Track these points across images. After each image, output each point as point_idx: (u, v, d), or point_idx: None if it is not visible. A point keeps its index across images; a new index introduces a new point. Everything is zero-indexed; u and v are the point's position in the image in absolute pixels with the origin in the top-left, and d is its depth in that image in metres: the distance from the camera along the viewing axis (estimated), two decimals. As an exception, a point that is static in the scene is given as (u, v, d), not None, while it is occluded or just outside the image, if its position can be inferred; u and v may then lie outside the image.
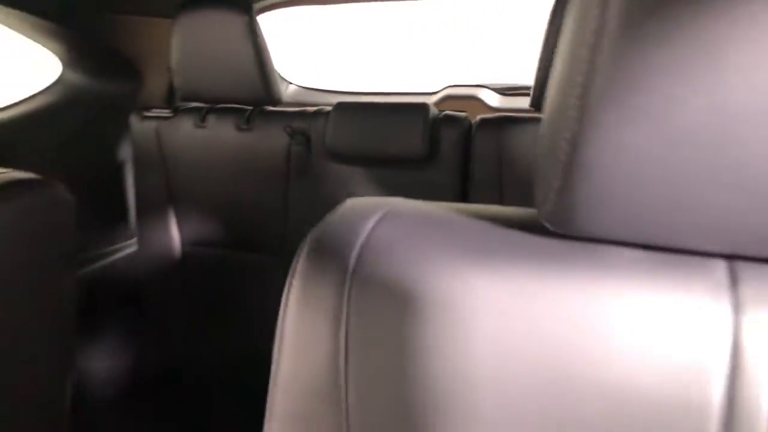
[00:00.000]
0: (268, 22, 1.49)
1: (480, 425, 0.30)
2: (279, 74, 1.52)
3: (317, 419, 0.34)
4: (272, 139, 1.11)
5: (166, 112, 1.22)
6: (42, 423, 0.59)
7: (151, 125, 1.21)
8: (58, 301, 0.57)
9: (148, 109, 1.24)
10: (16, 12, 1.06)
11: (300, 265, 0.34)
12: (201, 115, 1.17)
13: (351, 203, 0.37)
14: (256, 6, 1.37)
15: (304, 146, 1.09)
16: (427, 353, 0.31)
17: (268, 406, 0.36)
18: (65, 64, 1.27)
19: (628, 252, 0.30)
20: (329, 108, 1.12)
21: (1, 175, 0.54)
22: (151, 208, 1.25)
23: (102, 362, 1.22)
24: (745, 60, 0.23)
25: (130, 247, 1.36)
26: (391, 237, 0.33)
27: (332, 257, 0.33)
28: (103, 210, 1.33)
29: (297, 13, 1.50)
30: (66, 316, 0.58)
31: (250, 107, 1.15)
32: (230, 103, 1.13)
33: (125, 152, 1.35)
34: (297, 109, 1.16)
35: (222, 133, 1.15)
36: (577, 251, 0.31)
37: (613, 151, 0.27)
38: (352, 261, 0.33)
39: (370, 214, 0.35)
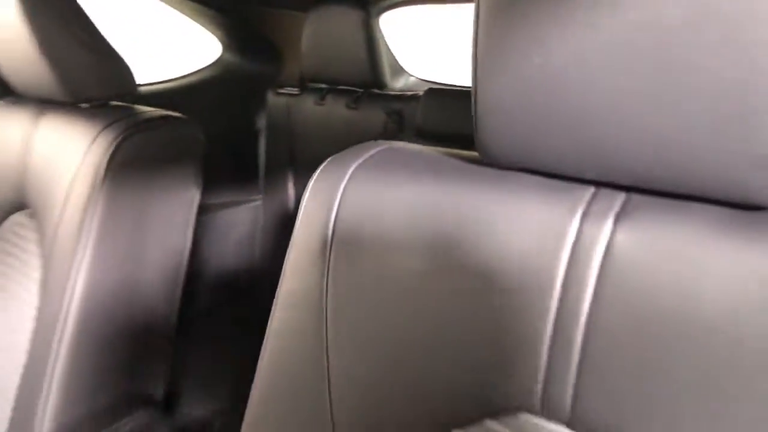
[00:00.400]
0: (408, 22, 1.68)
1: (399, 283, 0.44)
2: (401, 66, 1.70)
3: (304, 330, 0.48)
4: (373, 118, 1.30)
5: (295, 91, 1.45)
6: (158, 327, 0.78)
7: (282, 101, 1.46)
8: (182, 220, 0.79)
9: (282, 87, 1.48)
10: (187, 1, 1.35)
11: (304, 201, 0.49)
12: (322, 95, 1.39)
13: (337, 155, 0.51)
14: (378, 6, 1.56)
15: (398, 124, 1.26)
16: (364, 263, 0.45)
17: (269, 322, 0.50)
18: (224, 47, 1.56)
19: (525, 178, 0.42)
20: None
21: (152, 111, 0.78)
22: (276, 170, 1.50)
23: (209, 285, 1.47)
24: (594, 13, 0.34)
25: (256, 201, 1.62)
26: (365, 178, 0.47)
27: (325, 193, 0.48)
28: (239, 168, 1.61)
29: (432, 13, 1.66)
30: (185, 233, 0.79)
31: (361, 90, 1.35)
32: (345, 85, 1.34)
33: (261, 122, 1.62)
34: (397, 92, 1.33)
35: (335, 110, 1.36)
36: (492, 177, 0.43)
37: (501, 96, 0.39)
38: (338, 196, 0.47)
39: (351, 161, 0.49)
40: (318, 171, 0.50)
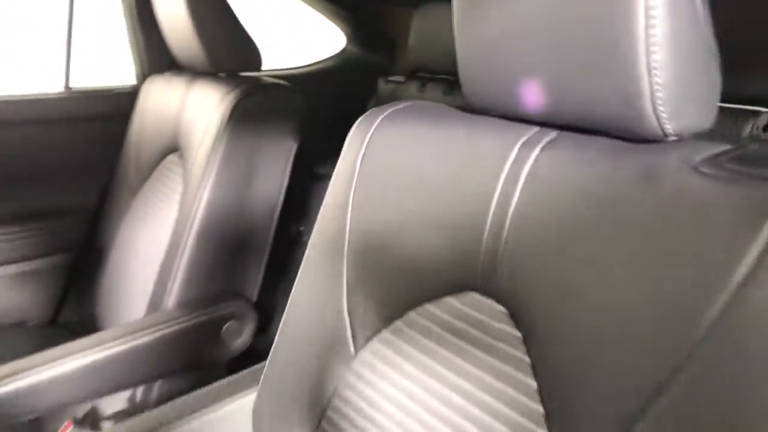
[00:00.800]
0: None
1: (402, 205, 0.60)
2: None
3: (329, 239, 0.65)
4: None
5: (401, 79, 1.65)
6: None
7: (391, 87, 1.66)
8: (281, 164, 1.01)
9: (391, 75, 1.69)
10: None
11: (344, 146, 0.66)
12: (423, 83, 1.57)
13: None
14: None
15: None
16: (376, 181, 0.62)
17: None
18: (348, 39, 1.80)
19: (492, 120, 0.56)
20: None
21: (266, 80, 1.02)
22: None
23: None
24: None
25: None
26: (388, 124, 0.63)
27: (358, 137, 0.65)
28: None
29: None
30: (282, 173, 1.01)
31: (454, 78, 1.51)
32: (445, 75, 1.50)
33: (371, 106, 1.84)
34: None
35: (433, 96, 1.53)
36: (472, 121, 0.58)
37: (474, 59, 0.54)
38: (367, 138, 0.64)
39: (380, 113, 0.65)
40: (358, 120, 0.68)
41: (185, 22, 1.03)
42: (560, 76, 0.47)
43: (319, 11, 1.73)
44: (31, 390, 0.80)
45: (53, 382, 0.81)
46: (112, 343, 0.85)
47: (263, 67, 1.14)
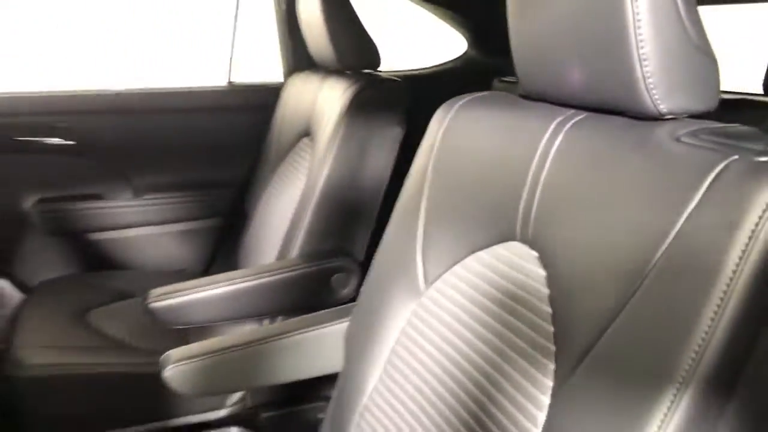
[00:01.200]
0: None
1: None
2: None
3: (408, 203, 0.82)
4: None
5: (514, 79, 1.76)
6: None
7: (503, 86, 1.78)
8: (388, 148, 1.20)
9: (504, 75, 1.81)
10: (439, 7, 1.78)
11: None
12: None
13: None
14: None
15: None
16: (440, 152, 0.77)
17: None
18: (469, 44, 1.94)
19: (540, 105, 0.69)
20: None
21: (377, 75, 1.21)
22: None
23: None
24: None
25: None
26: (464, 109, 0.78)
27: (438, 120, 0.80)
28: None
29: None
30: (389, 156, 1.20)
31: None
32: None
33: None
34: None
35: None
36: (526, 105, 0.71)
37: (528, 47, 0.67)
38: (446, 121, 0.79)
39: (459, 101, 0.80)
40: (441, 106, 0.83)
41: (320, 28, 1.26)
42: (583, 68, 0.59)
43: (441, 18, 1.90)
44: (182, 305, 1.07)
45: (199, 301, 1.07)
46: (245, 278, 1.10)
47: (395, 68, 1.34)
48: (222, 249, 1.63)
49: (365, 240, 1.21)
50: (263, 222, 1.39)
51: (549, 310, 0.59)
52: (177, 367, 0.80)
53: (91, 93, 1.62)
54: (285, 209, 1.27)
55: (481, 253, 0.72)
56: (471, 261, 0.73)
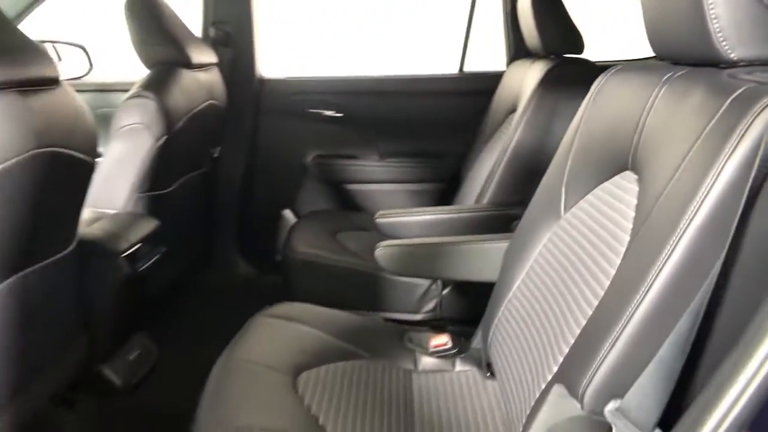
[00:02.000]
0: None
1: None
2: None
3: (568, 146, 1.04)
4: None
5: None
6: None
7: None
8: (563, 136, 1.41)
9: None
10: None
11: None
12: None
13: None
14: None
15: None
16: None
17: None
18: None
19: (659, 64, 0.87)
20: None
21: (569, 59, 1.43)
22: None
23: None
24: None
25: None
26: (616, 73, 0.98)
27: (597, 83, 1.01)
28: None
29: None
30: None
31: None
32: None
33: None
34: None
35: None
36: (651, 66, 0.89)
37: (649, 12, 0.86)
38: (601, 83, 1.01)
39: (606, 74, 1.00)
40: (597, 78, 1.04)
41: (531, 19, 1.52)
42: (680, 30, 0.78)
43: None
44: (401, 224, 1.47)
45: (412, 223, 1.46)
46: (448, 212, 1.45)
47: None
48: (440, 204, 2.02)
49: None
50: (469, 180, 1.73)
51: (632, 213, 0.79)
52: (385, 249, 1.17)
53: (357, 78, 2.15)
54: (485, 168, 1.59)
55: (606, 184, 0.93)
56: (598, 190, 0.95)
